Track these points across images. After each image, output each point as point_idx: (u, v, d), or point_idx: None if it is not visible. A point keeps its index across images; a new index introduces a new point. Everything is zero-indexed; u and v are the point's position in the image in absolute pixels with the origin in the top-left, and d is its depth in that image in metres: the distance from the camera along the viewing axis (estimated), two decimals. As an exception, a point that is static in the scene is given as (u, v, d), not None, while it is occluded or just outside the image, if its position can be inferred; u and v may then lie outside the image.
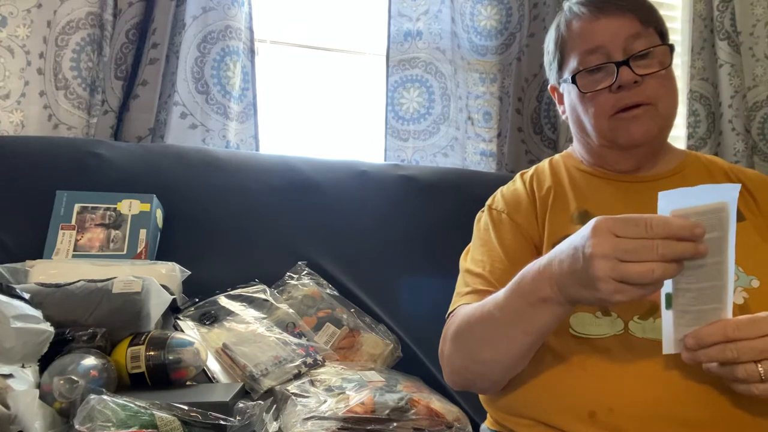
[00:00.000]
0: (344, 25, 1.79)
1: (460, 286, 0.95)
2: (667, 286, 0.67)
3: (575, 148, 1.04)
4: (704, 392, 0.74)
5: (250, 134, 1.57)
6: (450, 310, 0.92)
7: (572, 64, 0.95)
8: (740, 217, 0.90)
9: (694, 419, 0.73)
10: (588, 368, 0.80)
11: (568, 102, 0.98)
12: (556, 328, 0.76)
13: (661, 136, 0.95)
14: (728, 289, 0.65)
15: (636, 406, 0.75)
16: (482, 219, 1.01)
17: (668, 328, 0.69)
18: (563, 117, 1.03)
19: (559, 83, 1.00)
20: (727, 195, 0.63)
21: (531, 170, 1.04)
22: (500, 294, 0.78)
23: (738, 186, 0.64)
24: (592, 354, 0.80)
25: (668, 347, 0.69)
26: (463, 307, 0.88)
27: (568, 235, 0.89)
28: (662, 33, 0.95)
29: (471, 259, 0.97)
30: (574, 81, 0.93)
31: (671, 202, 0.64)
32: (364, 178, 1.45)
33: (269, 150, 1.62)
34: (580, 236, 0.67)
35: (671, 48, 0.93)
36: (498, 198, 1.02)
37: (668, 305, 0.68)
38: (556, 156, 1.06)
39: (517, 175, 1.05)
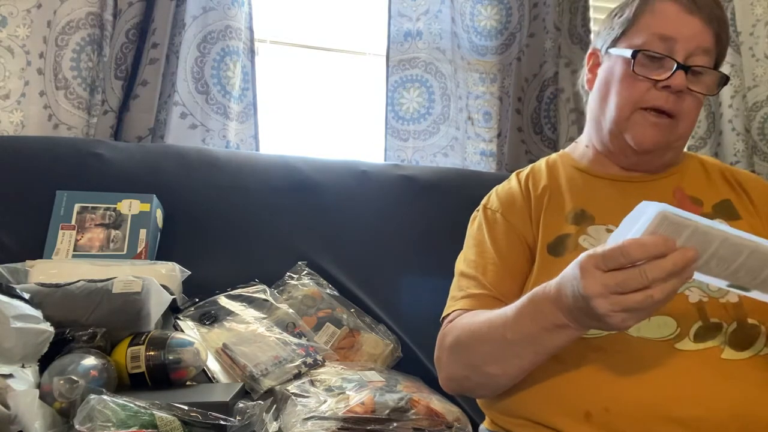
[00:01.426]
0: (344, 25, 1.79)
1: (454, 290, 0.94)
2: (719, 283, 0.67)
3: (582, 137, 1.02)
4: (699, 391, 0.74)
5: (250, 134, 1.57)
6: (445, 314, 0.92)
7: (637, 39, 0.91)
8: (736, 216, 0.90)
9: (689, 418, 0.73)
10: (583, 368, 0.80)
11: (605, 75, 0.95)
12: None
13: (667, 149, 0.93)
14: (759, 242, 0.63)
15: (631, 406, 0.75)
16: (477, 219, 1.01)
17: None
18: (584, 87, 1.00)
19: (607, 51, 0.96)
20: (654, 208, 0.61)
21: (527, 169, 1.03)
22: (509, 314, 0.77)
23: (660, 204, 0.61)
24: (588, 353, 0.80)
25: None
26: (462, 318, 0.87)
27: (562, 235, 0.89)
28: (720, 58, 0.93)
29: (464, 260, 0.97)
30: (634, 56, 0.89)
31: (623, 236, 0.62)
32: (364, 178, 1.45)
33: (269, 150, 1.62)
34: (572, 276, 0.66)
35: (725, 80, 0.91)
36: (493, 197, 1.02)
37: (745, 290, 0.68)
38: (553, 155, 1.05)
39: (513, 174, 1.04)
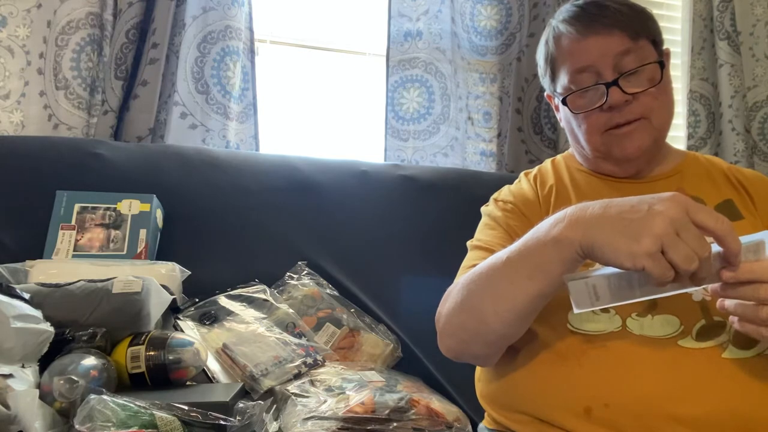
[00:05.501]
0: (344, 25, 1.79)
1: (465, 262, 0.96)
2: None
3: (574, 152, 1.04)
4: (700, 389, 0.74)
5: (250, 134, 1.57)
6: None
7: (563, 80, 0.95)
8: (738, 216, 0.90)
9: (689, 416, 0.73)
10: (584, 364, 0.80)
11: (563, 114, 0.99)
12: (559, 288, 0.74)
13: (655, 146, 0.95)
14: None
15: (632, 403, 0.75)
16: (489, 207, 1.03)
17: None
18: (561, 123, 1.03)
19: (554, 94, 1.01)
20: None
21: (534, 170, 1.05)
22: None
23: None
24: (589, 350, 0.80)
25: None
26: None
27: None
28: (655, 41, 0.94)
29: (477, 239, 0.98)
30: (564, 102, 0.94)
31: None
32: (364, 178, 1.45)
33: (269, 150, 1.62)
34: (649, 196, 0.67)
35: (661, 64, 0.92)
36: (505, 191, 1.04)
37: None
38: (558, 156, 1.07)
39: (522, 174, 1.06)
